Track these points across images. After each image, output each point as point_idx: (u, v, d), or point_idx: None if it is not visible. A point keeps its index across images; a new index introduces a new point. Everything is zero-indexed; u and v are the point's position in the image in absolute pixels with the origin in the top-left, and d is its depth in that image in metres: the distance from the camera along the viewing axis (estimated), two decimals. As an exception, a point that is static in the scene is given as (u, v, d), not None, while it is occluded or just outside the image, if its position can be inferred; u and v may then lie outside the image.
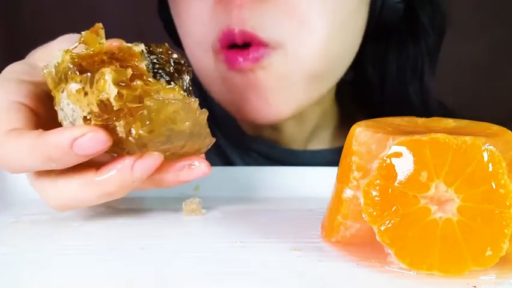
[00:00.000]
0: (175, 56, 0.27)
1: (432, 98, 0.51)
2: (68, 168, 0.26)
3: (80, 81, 0.24)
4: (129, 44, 0.26)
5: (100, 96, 0.23)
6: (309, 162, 0.50)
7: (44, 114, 0.27)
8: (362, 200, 0.23)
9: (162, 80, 0.25)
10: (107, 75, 0.23)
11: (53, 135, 0.24)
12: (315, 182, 0.34)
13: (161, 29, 0.50)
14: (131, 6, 0.91)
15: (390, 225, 0.22)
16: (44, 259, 0.24)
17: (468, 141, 0.22)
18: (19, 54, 0.32)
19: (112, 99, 0.23)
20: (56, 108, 0.25)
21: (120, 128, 0.24)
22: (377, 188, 0.23)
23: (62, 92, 0.25)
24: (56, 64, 0.25)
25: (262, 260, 0.24)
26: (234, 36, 0.38)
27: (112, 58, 0.25)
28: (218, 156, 0.52)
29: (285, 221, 0.30)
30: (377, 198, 0.23)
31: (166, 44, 0.27)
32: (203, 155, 0.28)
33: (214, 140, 0.27)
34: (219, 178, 0.36)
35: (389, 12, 0.44)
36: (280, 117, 0.41)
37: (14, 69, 0.29)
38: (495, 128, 0.25)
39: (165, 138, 0.25)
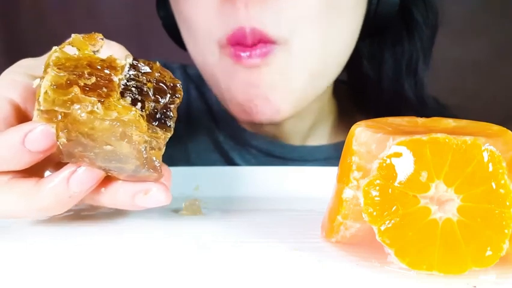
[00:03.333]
0: (164, 76, 0.26)
1: (426, 92, 0.52)
2: (20, 173, 0.26)
3: (41, 78, 0.24)
4: (116, 57, 0.25)
5: (39, 95, 0.23)
6: (309, 158, 0.50)
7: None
8: (362, 200, 0.23)
9: (128, 98, 0.25)
10: (47, 75, 0.23)
11: (6, 133, 0.24)
12: (315, 182, 0.34)
13: (161, 29, 0.50)
14: (131, 7, 0.91)
15: (390, 225, 0.22)
16: (44, 259, 0.24)
17: (468, 141, 0.22)
18: (19, 55, 0.32)
19: (41, 98, 0.23)
20: None
21: (53, 130, 0.24)
22: (377, 188, 0.23)
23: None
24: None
25: (262, 260, 0.24)
26: (245, 35, 0.38)
27: (91, 67, 0.24)
28: (217, 153, 0.52)
29: (285, 221, 0.30)
30: (377, 198, 0.23)
31: (158, 63, 0.26)
32: (166, 185, 0.27)
33: (163, 176, 0.26)
34: (219, 178, 0.36)
35: (385, 8, 0.44)
36: (279, 116, 0.41)
37: (22, 63, 0.29)
38: (495, 128, 0.25)
39: (98, 155, 0.24)
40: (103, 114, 0.23)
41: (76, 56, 0.25)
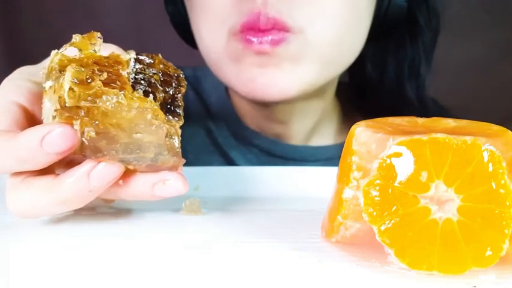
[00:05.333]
0: (168, 68, 0.27)
1: (427, 94, 0.52)
2: (34, 173, 0.26)
3: (55, 79, 0.24)
4: (119, 53, 0.26)
5: (60, 93, 0.24)
6: (310, 158, 0.50)
7: (41, 116, 0.27)
8: (362, 200, 0.23)
9: (140, 90, 0.25)
10: (68, 72, 0.23)
11: (23, 135, 0.24)
12: (315, 182, 0.34)
13: (161, 29, 0.50)
14: (131, 7, 0.91)
15: (390, 225, 0.22)
16: (44, 259, 0.24)
17: (468, 141, 0.22)
18: (19, 55, 0.32)
19: (65, 96, 0.23)
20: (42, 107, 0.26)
21: (76, 127, 0.24)
22: (377, 188, 0.23)
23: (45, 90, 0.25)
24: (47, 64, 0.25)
25: (262, 260, 0.24)
26: (259, 20, 0.38)
27: (98, 64, 0.25)
28: (217, 153, 0.52)
29: (285, 221, 0.30)
30: (377, 198, 0.23)
31: (160, 55, 0.27)
32: (181, 173, 0.27)
33: (184, 161, 0.27)
34: (219, 178, 0.36)
35: (394, 10, 0.45)
36: (284, 95, 0.41)
37: (22, 70, 0.29)
38: (495, 128, 0.25)
39: (122, 146, 0.25)
40: (127, 105, 0.24)
41: (78, 56, 0.25)
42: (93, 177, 0.25)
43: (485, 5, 0.88)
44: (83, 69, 0.24)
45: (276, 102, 0.42)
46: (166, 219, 0.30)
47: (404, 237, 0.22)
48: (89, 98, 0.23)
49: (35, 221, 0.29)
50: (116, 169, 0.25)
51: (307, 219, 0.30)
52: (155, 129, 0.25)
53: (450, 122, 0.27)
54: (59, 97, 0.24)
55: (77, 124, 0.24)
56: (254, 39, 0.39)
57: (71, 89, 0.23)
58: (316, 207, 0.30)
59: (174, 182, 0.26)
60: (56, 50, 0.25)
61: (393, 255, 0.22)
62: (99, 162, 0.25)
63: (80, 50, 0.25)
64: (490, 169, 0.22)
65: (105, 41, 0.27)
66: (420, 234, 0.22)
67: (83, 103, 0.23)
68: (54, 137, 0.24)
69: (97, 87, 0.24)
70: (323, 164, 0.49)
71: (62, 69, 0.25)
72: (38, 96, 0.27)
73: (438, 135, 0.22)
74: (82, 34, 0.26)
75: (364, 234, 0.25)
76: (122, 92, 0.24)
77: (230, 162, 0.52)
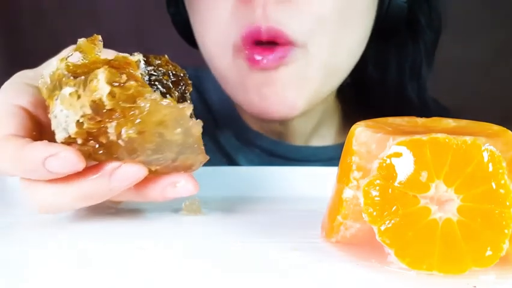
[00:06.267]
0: (175, 68, 0.27)
1: (428, 95, 0.52)
2: None
3: (74, 85, 0.24)
4: (125, 54, 0.26)
5: (93, 96, 0.23)
6: (312, 158, 0.50)
7: (45, 119, 0.27)
8: (362, 200, 0.23)
9: (157, 92, 0.25)
10: (101, 74, 0.23)
11: (29, 149, 0.24)
12: (315, 182, 0.34)
13: (161, 30, 0.50)
14: (132, 8, 0.91)
15: (390, 225, 0.22)
16: (44, 259, 0.24)
17: (468, 141, 0.22)
18: (19, 55, 0.32)
19: (104, 98, 0.23)
20: (49, 116, 0.25)
21: (111, 129, 0.24)
22: (377, 188, 0.23)
23: (56, 99, 0.25)
24: (51, 73, 0.25)
25: (262, 260, 0.24)
26: (260, 32, 0.38)
27: (111, 66, 0.24)
28: (218, 153, 0.52)
29: (285, 221, 0.30)
30: (377, 198, 0.23)
31: (166, 56, 0.27)
32: (192, 174, 0.27)
33: (208, 158, 0.27)
34: (219, 178, 0.36)
35: (395, 11, 0.45)
36: (293, 112, 0.41)
37: (21, 74, 0.29)
38: (495, 128, 0.25)
39: (155, 145, 0.25)
40: (162, 104, 0.24)
41: (86, 61, 0.25)
42: (115, 178, 0.25)
43: (486, 5, 0.88)
44: (114, 70, 0.23)
45: (286, 119, 0.42)
46: (166, 219, 0.30)
47: (404, 237, 0.22)
48: (130, 98, 0.23)
49: (35, 221, 0.29)
50: (141, 171, 0.25)
51: (307, 219, 0.30)
52: (188, 127, 0.25)
53: (450, 122, 0.27)
54: (92, 101, 0.23)
55: (112, 127, 0.24)
56: (258, 58, 0.39)
57: (111, 91, 0.23)
58: (317, 207, 0.30)
59: (185, 183, 0.27)
60: (61, 57, 0.25)
61: (393, 255, 0.22)
62: (124, 162, 0.25)
63: (85, 54, 0.25)
64: (490, 169, 0.22)
65: (105, 41, 0.27)
66: (420, 234, 0.22)
67: (122, 104, 0.23)
68: (57, 160, 0.24)
69: (133, 88, 0.23)
70: (324, 164, 0.49)
71: (76, 75, 0.24)
72: (40, 101, 0.27)
73: (439, 135, 0.22)
74: (81, 35, 0.26)
75: (364, 234, 0.25)
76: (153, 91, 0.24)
77: (232, 162, 0.52)
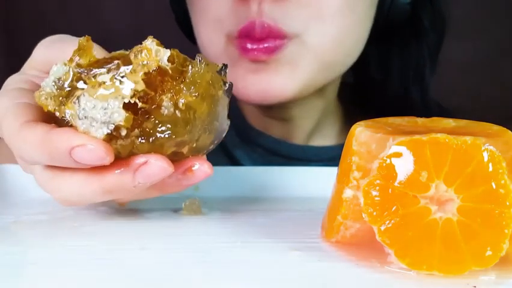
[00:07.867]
0: (187, 60, 0.27)
1: (431, 97, 0.52)
2: None
3: (108, 72, 0.23)
4: (122, 51, 0.25)
5: (145, 69, 0.23)
6: (314, 158, 0.50)
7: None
8: (362, 200, 0.23)
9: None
10: (150, 43, 0.23)
11: (56, 135, 0.24)
12: (315, 182, 0.34)
13: (161, 29, 0.50)
14: (132, 7, 0.91)
15: (390, 225, 0.22)
16: (44, 259, 0.24)
17: (468, 141, 0.22)
18: (19, 55, 0.32)
19: (165, 62, 0.23)
20: (72, 123, 0.24)
21: (167, 101, 0.23)
22: (377, 188, 0.23)
23: (77, 101, 0.23)
24: (56, 80, 0.24)
25: (262, 260, 0.24)
26: (254, 28, 0.39)
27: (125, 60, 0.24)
28: (222, 152, 0.52)
29: (285, 221, 0.30)
30: (377, 198, 0.23)
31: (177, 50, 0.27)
32: (204, 157, 0.27)
33: (228, 122, 0.27)
34: (219, 178, 0.36)
35: (396, 12, 0.45)
36: (282, 97, 0.41)
37: (14, 79, 0.29)
38: (495, 128, 0.25)
39: (202, 120, 0.25)
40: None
41: (97, 59, 0.24)
42: (139, 175, 0.24)
43: (486, 5, 0.88)
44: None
45: (273, 105, 0.42)
46: (166, 219, 0.30)
47: (404, 237, 0.22)
48: (184, 61, 0.24)
49: (35, 221, 0.30)
50: (165, 170, 0.24)
51: (307, 219, 0.30)
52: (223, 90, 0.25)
53: (450, 122, 0.27)
54: (145, 74, 0.23)
55: (167, 97, 0.23)
56: (250, 46, 0.39)
57: (171, 54, 0.23)
58: (317, 207, 0.30)
59: (201, 166, 0.26)
60: (61, 62, 0.24)
61: (393, 255, 0.22)
62: (151, 156, 0.24)
63: (84, 52, 0.24)
64: (490, 169, 0.22)
65: (105, 41, 0.27)
66: (420, 234, 0.22)
67: (180, 68, 0.23)
68: (84, 152, 0.23)
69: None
70: (326, 164, 0.49)
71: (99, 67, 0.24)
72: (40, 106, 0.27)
73: (438, 135, 0.22)
74: (81, 35, 0.25)
75: (364, 234, 0.25)
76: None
77: (235, 161, 0.52)
